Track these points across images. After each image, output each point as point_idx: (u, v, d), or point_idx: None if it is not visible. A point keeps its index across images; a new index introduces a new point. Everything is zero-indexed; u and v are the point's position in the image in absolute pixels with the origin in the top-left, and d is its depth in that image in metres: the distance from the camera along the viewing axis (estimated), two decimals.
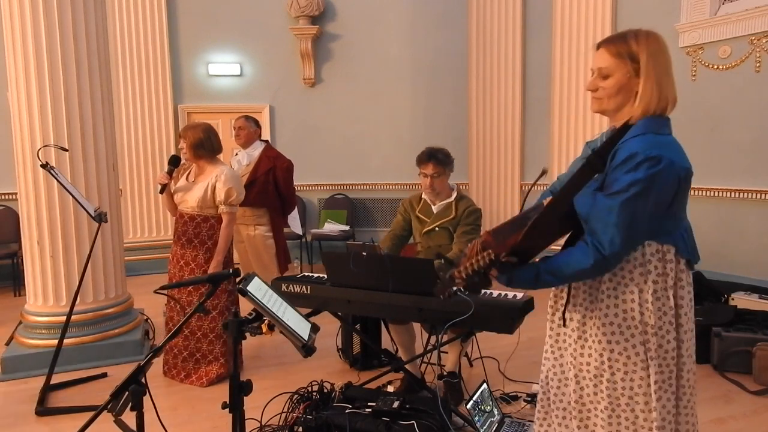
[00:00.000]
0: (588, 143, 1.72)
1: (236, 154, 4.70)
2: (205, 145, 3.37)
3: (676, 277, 1.54)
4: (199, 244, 3.40)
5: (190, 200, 3.39)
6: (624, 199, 1.41)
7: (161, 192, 3.45)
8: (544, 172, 1.79)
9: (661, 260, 1.52)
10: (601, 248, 1.44)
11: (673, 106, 1.52)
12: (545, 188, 1.88)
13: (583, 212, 1.49)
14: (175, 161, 3.42)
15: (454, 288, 1.54)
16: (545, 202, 1.58)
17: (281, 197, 4.56)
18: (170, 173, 3.41)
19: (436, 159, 3.22)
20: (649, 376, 1.53)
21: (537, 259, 1.57)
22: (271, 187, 4.46)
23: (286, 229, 4.80)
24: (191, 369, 3.43)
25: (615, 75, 1.50)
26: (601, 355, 1.56)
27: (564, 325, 1.66)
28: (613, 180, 1.45)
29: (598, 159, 1.49)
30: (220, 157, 3.55)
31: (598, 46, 1.56)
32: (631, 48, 1.49)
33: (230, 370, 3.49)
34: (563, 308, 1.65)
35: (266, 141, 4.69)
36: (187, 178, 3.49)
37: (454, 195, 3.31)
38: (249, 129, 4.52)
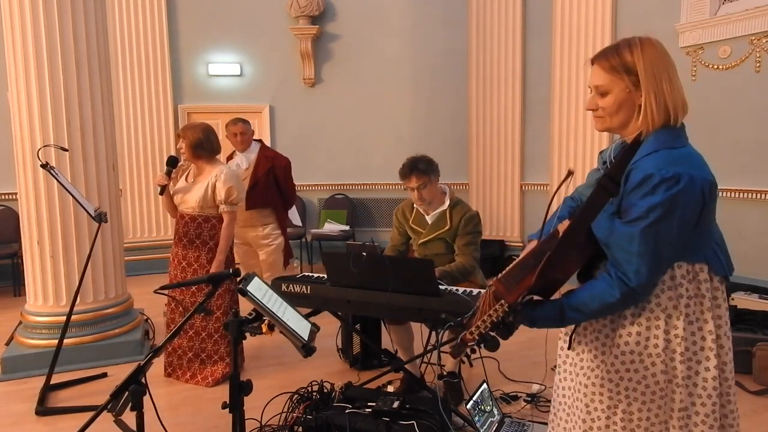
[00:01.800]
0: (601, 153, 1.61)
1: (232, 158, 4.60)
2: (204, 146, 3.37)
3: (712, 296, 1.42)
4: (201, 244, 3.40)
5: (190, 201, 3.39)
6: (644, 226, 1.31)
7: (161, 193, 3.45)
8: (570, 174, 1.69)
9: (694, 281, 1.40)
10: (627, 280, 1.34)
11: (684, 112, 1.41)
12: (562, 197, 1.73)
13: (602, 237, 1.39)
14: (172, 162, 3.42)
15: (471, 347, 1.42)
16: (560, 227, 1.46)
17: (282, 195, 4.58)
18: (168, 174, 3.41)
19: (418, 170, 3.15)
20: (666, 404, 1.43)
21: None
22: (273, 186, 4.48)
23: (289, 228, 4.85)
24: (197, 369, 3.44)
25: (613, 91, 1.40)
26: (617, 384, 1.45)
27: (569, 348, 1.57)
28: (629, 205, 1.34)
29: (610, 181, 1.39)
30: (219, 157, 3.55)
31: (592, 61, 1.46)
32: (626, 60, 1.38)
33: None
34: (572, 331, 1.55)
35: (260, 141, 4.70)
36: (186, 179, 3.49)
37: (447, 202, 3.24)
38: (249, 133, 4.52)
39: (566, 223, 1.45)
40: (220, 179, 3.34)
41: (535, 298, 1.45)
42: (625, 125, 1.44)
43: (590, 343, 1.52)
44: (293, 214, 5.06)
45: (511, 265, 1.44)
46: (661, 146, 1.35)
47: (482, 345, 1.38)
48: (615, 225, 1.37)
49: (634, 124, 1.42)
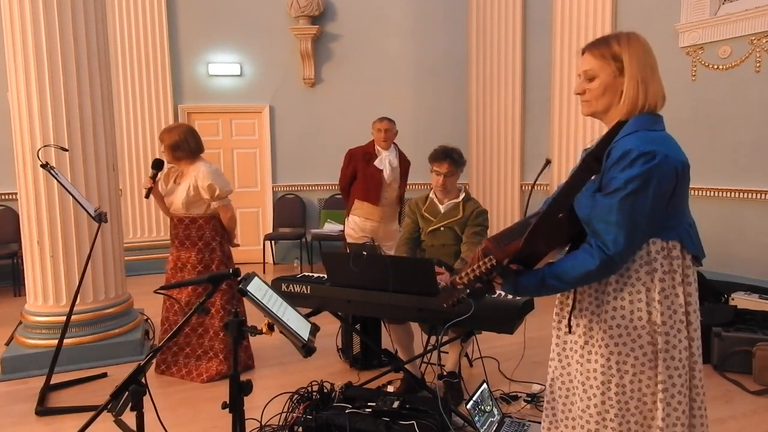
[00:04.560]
0: (585, 150, 1.70)
1: (374, 155, 4.65)
2: (182, 147, 3.39)
3: (683, 273, 1.52)
4: (191, 245, 3.45)
5: (176, 202, 3.43)
6: (622, 196, 1.41)
7: (146, 197, 3.47)
8: (548, 162, 1.77)
9: (667, 257, 1.50)
10: (605, 248, 1.43)
11: (662, 103, 1.53)
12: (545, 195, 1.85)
13: (583, 215, 1.49)
14: (157, 165, 3.42)
15: (459, 297, 1.52)
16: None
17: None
18: (153, 177, 3.41)
19: (452, 159, 3.21)
20: (655, 376, 1.51)
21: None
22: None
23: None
24: (192, 366, 3.47)
25: (600, 75, 1.53)
26: (608, 359, 1.52)
27: (570, 332, 1.63)
28: (610, 179, 1.45)
29: (593, 159, 1.50)
30: (204, 155, 3.54)
31: (583, 51, 1.59)
32: (614, 49, 1.52)
33: (231, 368, 3.51)
34: (569, 315, 1.62)
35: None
36: (174, 181, 3.51)
37: (462, 195, 3.30)
38: (393, 130, 4.63)
39: (550, 202, 1.54)
40: (200, 178, 3.36)
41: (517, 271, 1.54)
42: (608, 109, 1.55)
43: (583, 324, 1.59)
44: None
45: (502, 230, 1.54)
46: (640, 128, 1.47)
47: (468, 294, 1.48)
48: (596, 199, 1.47)
49: (616, 109, 1.54)
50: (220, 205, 3.44)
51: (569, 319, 1.62)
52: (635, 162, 1.40)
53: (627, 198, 1.41)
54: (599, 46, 1.54)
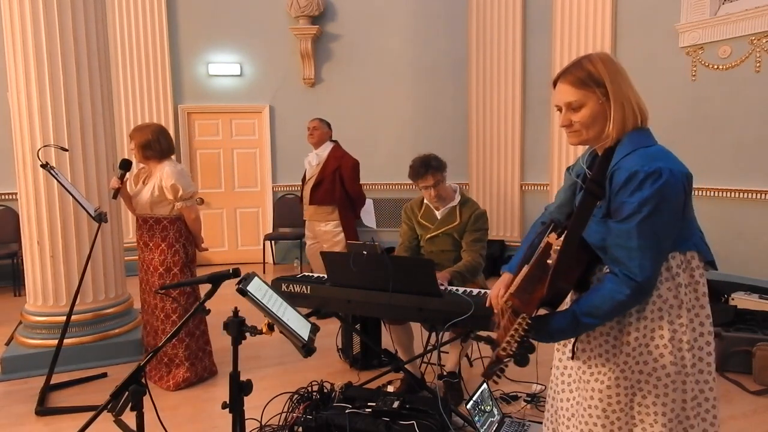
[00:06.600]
0: (568, 169, 1.67)
1: (307, 156, 4.81)
2: (153, 146, 3.36)
3: (704, 283, 1.50)
4: (154, 246, 3.40)
5: (142, 202, 3.40)
6: (639, 220, 1.36)
7: (114, 197, 3.44)
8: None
9: (687, 269, 1.47)
10: (633, 275, 1.38)
11: (647, 114, 1.49)
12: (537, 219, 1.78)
13: (596, 240, 1.44)
14: (125, 165, 3.37)
15: (505, 364, 1.45)
16: (548, 239, 1.48)
17: (348, 194, 4.66)
18: (121, 178, 3.36)
19: (432, 168, 3.14)
20: (678, 397, 1.47)
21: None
22: (338, 185, 4.60)
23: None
24: (163, 372, 3.41)
25: (587, 104, 1.45)
26: (628, 379, 1.49)
27: (573, 358, 1.57)
28: (620, 204, 1.40)
29: (596, 186, 1.45)
30: (173, 157, 3.51)
31: (555, 82, 1.50)
32: (592, 73, 1.44)
33: (198, 375, 3.45)
34: (575, 340, 1.55)
35: (335, 141, 4.78)
36: (143, 182, 3.48)
37: (458, 199, 3.26)
38: (322, 130, 4.68)
39: (554, 235, 1.48)
40: (164, 178, 3.32)
41: (541, 311, 1.48)
42: (599, 136, 1.48)
43: (598, 348, 1.52)
44: (367, 215, 5.12)
45: (517, 280, 1.47)
46: (636, 146, 1.42)
47: (514, 360, 1.39)
48: (610, 226, 1.42)
49: (606, 134, 1.47)
50: (184, 206, 3.37)
51: (574, 345, 1.56)
52: (644, 183, 1.36)
53: (645, 221, 1.36)
54: (575, 73, 1.46)
